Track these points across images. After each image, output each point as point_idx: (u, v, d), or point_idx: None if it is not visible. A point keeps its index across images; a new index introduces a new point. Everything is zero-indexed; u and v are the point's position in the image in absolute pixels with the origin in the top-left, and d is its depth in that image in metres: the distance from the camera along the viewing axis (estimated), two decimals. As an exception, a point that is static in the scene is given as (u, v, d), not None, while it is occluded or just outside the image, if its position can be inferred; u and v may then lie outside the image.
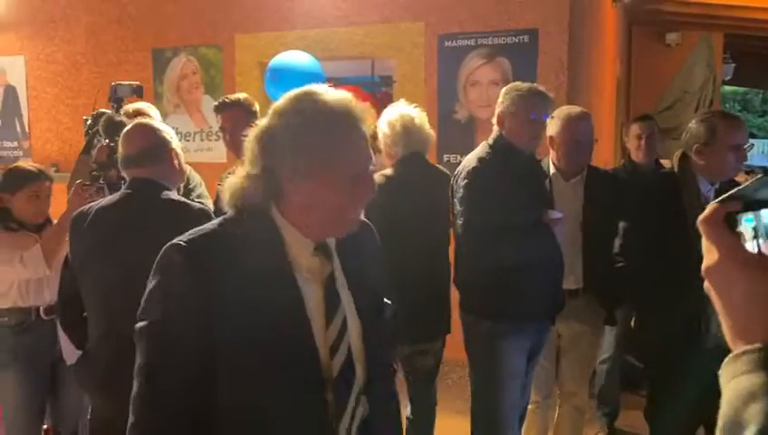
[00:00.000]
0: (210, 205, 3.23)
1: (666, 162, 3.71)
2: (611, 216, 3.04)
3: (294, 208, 1.29)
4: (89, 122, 3.23)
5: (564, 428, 3.28)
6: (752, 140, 2.85)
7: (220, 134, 3.38)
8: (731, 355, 0.65)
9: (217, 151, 5.32)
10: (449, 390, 4.09)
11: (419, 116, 3.04)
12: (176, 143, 2.42)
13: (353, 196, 1.29)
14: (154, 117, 3.27)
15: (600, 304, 3.08)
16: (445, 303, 3.02)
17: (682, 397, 2.65)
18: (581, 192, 3.04)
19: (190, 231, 1.32)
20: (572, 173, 3.05)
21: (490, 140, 2.76)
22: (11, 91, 6.21)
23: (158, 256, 1.30)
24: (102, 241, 2.24)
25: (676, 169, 2.70)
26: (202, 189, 3.32)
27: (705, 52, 8.81)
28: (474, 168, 2.65)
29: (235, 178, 1.31)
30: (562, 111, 2.99)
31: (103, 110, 3.20)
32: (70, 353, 2.45)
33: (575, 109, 3.05)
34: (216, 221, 1.34)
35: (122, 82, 3.38)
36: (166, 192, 2.29)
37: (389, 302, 1.53)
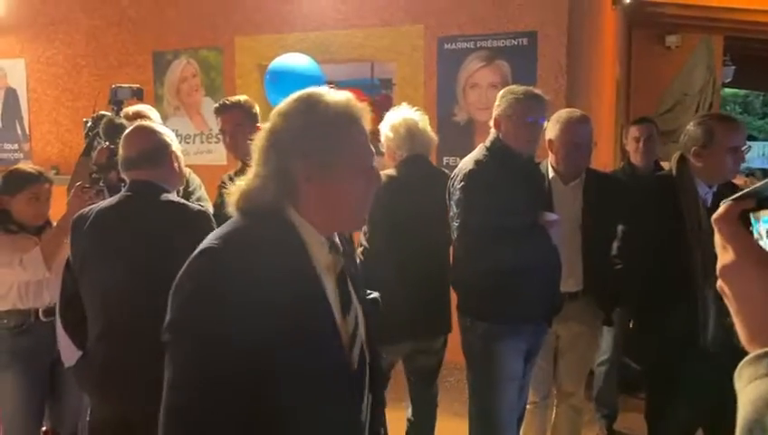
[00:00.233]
0: (210, 207, 3.24)
1: (666, 165, 3.71)
2: (610, 218, 3.05)
3: (312, 206, 1.32)
4: (89, 125, 3.23)
5: (562, 428, 3.29)
6: (752, 143, 2.86)
7: (220, 136, 3.38)
8: (749, 357, 0.63)
9: (217, 154, 5.33)
10: (447, 392, 4.09)
11: (422, 120, 3.08)
12: (176, 146, 2.43)
13: (366, 188, 1.36)
14: (154, 119, 3.28)
15: (599, 305, 3.09)
16: (445, 302, 3.04)
17: (680, 399, 2.65)
18: (580, 195, 3.04)
19: (212, 235, 1.33)
20: (571, 176, 3.05)
21: (487, 143, 2.77)
22: (11, 93, 6.22)
23: (190, 261, 1.29)
24: (101, 242, 2.25)
25: (674, 172, 2.70)
26: (202, 192, 3.33)
27: (705, 54, 8.82)
28: (470, 170, 2.66)
29: (244, 182, 1.34)
30: (562, 115, 2.99)
31: (103, 112, 3.20)
32: (68, 355, 2.46)
33: (575, 112, 3.05)
34: (231, 224, 1.34)
35: (122, 85, 3.38)
36: (165, 194, 2.30)
37: (373, 294, 1.59)
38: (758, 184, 0.68)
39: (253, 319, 1.19)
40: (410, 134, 3.02)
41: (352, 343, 1.37)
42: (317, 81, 4.39)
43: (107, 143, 2.87)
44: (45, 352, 2.94)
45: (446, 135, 4.71)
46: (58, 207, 3.00)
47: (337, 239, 1.43)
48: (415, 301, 2.82)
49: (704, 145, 2.61)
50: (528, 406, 3.12)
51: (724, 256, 0.68)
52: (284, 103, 1.36)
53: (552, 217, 2.71)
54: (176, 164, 2.40)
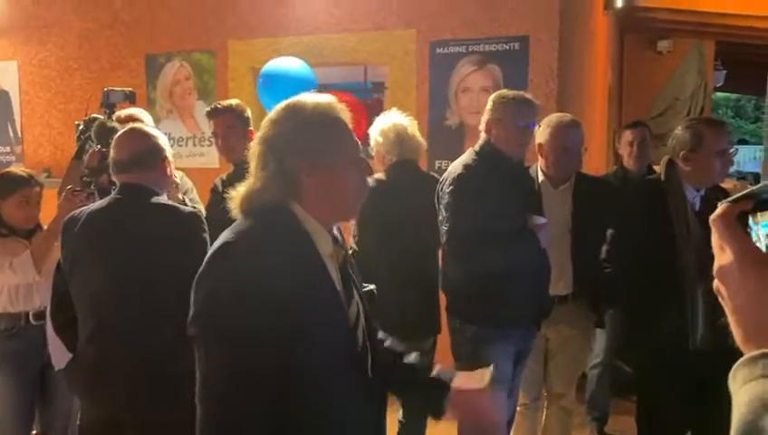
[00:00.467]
0: (202, 209, 3.25)
1: (659, 168, 3.74)
2: (600, 222, 3.07)
3: (314, 199, 1.43)
4: (81, 128, 3.23)
5: (552, 430, 3.30)
6: (744, 147, 2.90)
7: (212, 139, 3.39)
8: (744, 359, 0.63)
9: (210, 157, 5.32)
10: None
11: (411, 125, 3.12)
12: (169, 150, 2.43)
13: (360, 177, 1.50)
14: (147, 122, 3.28)
15: (590, 308, 3.11)
16: (434, 303, 3.06)
17: (671, 401, 2.67)
18: (570, 199, 3.06)
19: (226, 232, 1.42)
20: (561, 180, 3.07)
21: (476, 147, 2.79)
22: (3, 95, 6.21)
23: (209, 256, 1.39)
24: (91, 244, 2.25)
25: (663, 176, 2.72)
26: (194, 194, 3.33)
27: (697, 59, 8.87)
28: (459, 174, 2.68)
29: (244, 187, 1.45)
30: (552, 119, 3.01)
31: (95, 115, 3.21)
32: (58, 359, 2.46)
33: (565, 116, 3.07)
34: (241, 222, 1.44)
35: (115, 88, 3.39)
36: (156, 197, 2.30)
37: (370, 286, 1.70)
38: (756, 186, 0.68)
39: (271, 305, 1.28)
40: (399, 139, 3.05)
41: (356, 324, 1.49)
42: (310, 84, 4.40)
43: (98, 146, 2.88)
44: (35, 355, 2.93)
45: (438, 139, 4.73)
46: (49, 210, 3.00)
47: (336, 232, 1.54)
48: (404, 302, 2.84)
49: (692, 149, 2.63)
50: (518, 408, 3.14)
51: (722, 256, 0.68)
52: (272, 113, 1.48)
53: (540, 220, 2.73)
54: (168, 169, 2.40)
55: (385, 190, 2.88)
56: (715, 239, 0.69)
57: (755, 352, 0.62)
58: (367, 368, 1.51)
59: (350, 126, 1.52)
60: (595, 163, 6.25)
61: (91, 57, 5.80)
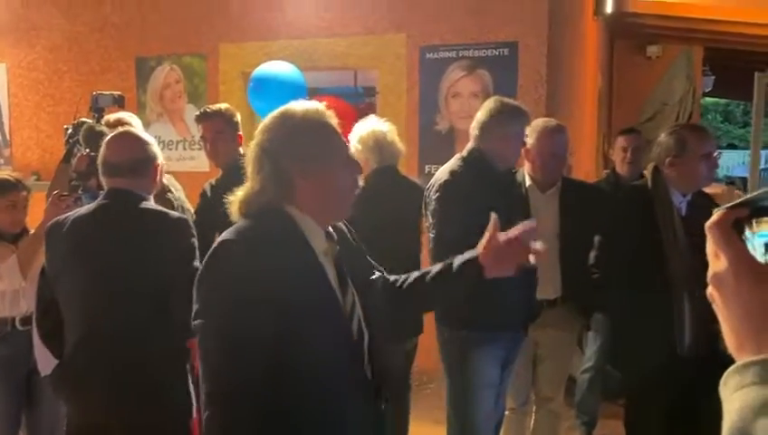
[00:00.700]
0: (190, 208, 3.25)
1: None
2: (587, 225, 3.09)
3: (308, 200, 1.54)
4: (69, 132, 3.22)
5: (541, 433, 3.31)
6: (733, 151, 2.95)
7: (202, 143, 3.38)
8: (736, 365, 0.63)
9: (200, 160, 5.30)
10: (427, 399, 4.10)
11: (390, 131, 3.13)
12: (161, 157, 2.43)
13: (351, 177, 1.60)
14: (135, 126, 3.26)
15: (578, 311, 3.12)
16: None
17: (659, 406, 2.68)
18: (557, 203, 3.08)
19: (225, 232, 1.51)
20: (548, 185, 3.09)
21: (464, 153, 2.80)
22: (-8, 98, 6.18)
23: (209, 254, 1.48)
24: (79, 250, 2.24)
25: (649, 183, 2.74)
26: (181, 195, 3.33)
27: (685, 64, 8.92)
28: (445, 181, 2.68)
29: (243, 190, 1.55)
30: (538, 124, 3.03)
31: (84, 119, 3.20)
32: (45, 365, 2.45)
33: (551, 121, 3.10)
34: (239, 223, 1.54)
35: (104, 92, 3.38)
36: (144, 202, 2.30)
37: (379, 271, 1.78)
38: (753, 193, 0.69)
39: (268, 297, 1.38)
40: (378, 146, 3.07)
41: (351, 316, 1.58)
42: (300, 88, 4.40)
43: (87, 150, 2.86)
44: (22, 360, 2.91)
45: (428, 144, 4.75)
46: (38, 214, 2.98)
47: (331, 229, 1.64)
48: None
49: (677, 154, 2.66)
50: (506, 412, 3.14)
51: (716, 263, 0.68)
52: (265, 121, 1.58)
53: (528, 224, 2.74)
54: (158, 178, 2.40)
55: (366, 197, 2.89)
56: (709, 246, 0.69)
57: (747, 360, 0.63)
58: (363, 356, 1.60)
59: (339, 130, 1.61)
60: (585, 168, 6.28)
61: (81, 60, 5.78)
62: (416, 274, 1.79)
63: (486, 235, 1.66)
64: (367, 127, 3.14)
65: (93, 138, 2.79)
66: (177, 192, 3.28)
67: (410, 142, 4.68)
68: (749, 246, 0.68)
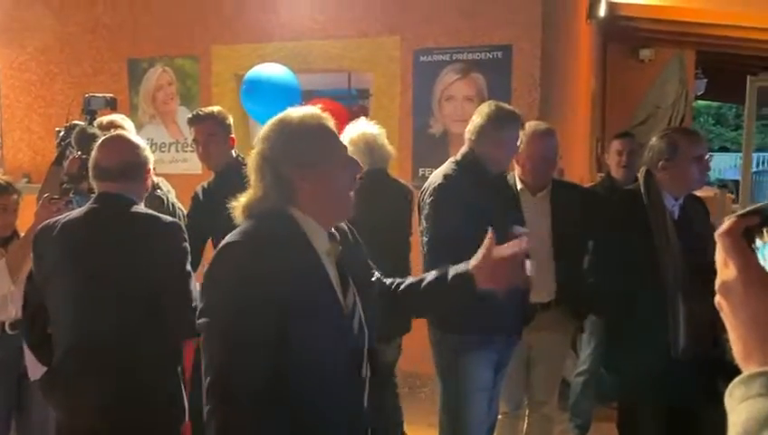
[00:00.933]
0: (182, 207, 3.24)
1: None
2: (579, 226, 3.13)
3: (311, 202, 1.59)
4: (61, 134, 3.20)
5: (533, 438, 3.32)
6: (725, 154, 2.96)
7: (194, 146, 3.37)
8: (742, 376, 0.63)
9: (192, 163, 5.28)
10: (421, 403, 4.09)
11: (381, 133, 3.16)
12: (152, 161, 2.42)
13: (350, 177, 1.65)
14: (128, 129, 3.25)
15: (572, 313, 3.13)
16: None
17: (652, 410, 2.68)
18: (548, 205, 3.11)
19: (231, 233, 1.56)
20: (539, 188, 3.12)
21: (458, 157, 2.80)
22: (-17, 99, 6.13)
23: (215, 254, 1.53)
24: (70, 254, 2.22)
25: (642, 187, 2.75)
26: (172, 196, 3.32)
27: (678, 68, 8.96)
28: (439, 184, 2.68)
29: (246, 196, 1.60)
30: (528, 128, 3.04)
31: (76, 121, 3.18)
32: (34, 370, 2.42)
33: (540, 125, 3.13)
34: (243, 225, 1.59)
35: (96, 94, 3.36)
36: (135, 206, 2.28)
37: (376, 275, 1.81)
38: (765, 202, 0.68)
39: (271, 297, 1.44)
40: (369, 148, 3.08)
41: (352, 315, 1.63)
42: (293, 91, 4.39)
43: (79, 153, 2.84)
44: (12, 365, 2.89)
45: (422, 146, 4.74)
46: (28, 217, 2.96)
47: (335, 229, 1.69)
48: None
49: (669, 158, 2.68)
50: (499, 417, 3.14)
51: (725, 272, 0.68)
52: (263, 129, 1.63)
53: (521, 230, 2.74)
54: (148, 182, 2.38)
55: (356, 200, 2.91)
56: (719, 254, 0.69)
57: (754, 370, 0.62)
58: (363, 354, 1.65)
59: (336, 132, 1.67)
60: (578, 171, 6.29)
61: (73, 61, 5.75)
62: (411, 280, 1.83)
63: (482, 250, 1.71)
64: (357, 129, 3.15)
65: (85, 140, 2.77)
66: (169, 193, 3.27)
67: (404, 145, 4.68)
68: (759, 256, 0.67)
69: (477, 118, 2.76)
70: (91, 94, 3.31)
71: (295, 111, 1.65)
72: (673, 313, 2.58)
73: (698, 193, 3.03)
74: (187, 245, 2.28)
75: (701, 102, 17.59)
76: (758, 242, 0.68)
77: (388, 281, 1.85)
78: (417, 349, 3.35)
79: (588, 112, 7.40)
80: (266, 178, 1.58)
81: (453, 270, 1.76)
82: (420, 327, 3.07)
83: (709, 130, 21.26)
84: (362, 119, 3.26)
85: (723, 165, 18.72)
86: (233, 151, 3.26)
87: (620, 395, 3.02)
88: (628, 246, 2.68)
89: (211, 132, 3.17)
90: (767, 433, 0.56)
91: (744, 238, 0.67)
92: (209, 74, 5.36)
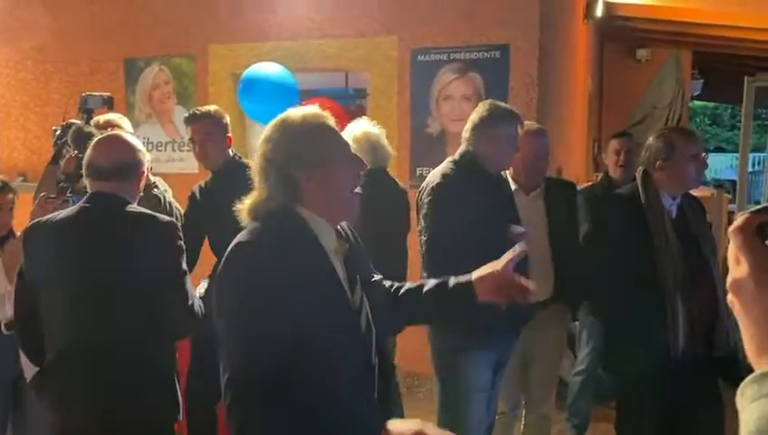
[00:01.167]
0: (179, 206, 3.23)
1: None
2: (575, 224, 3.18)
3: (317, 201, 1.60)
4: (58, 133, 3.19)
5: (530, 436, 3.32)
6: (721, 154, 2.98)
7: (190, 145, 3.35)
8: (754, 375, 0.62)
9: (189, 162, 5.26)
10: (420, 403, 4.08)
11: (381, 133, 3.22)
12: (147, 162, 2.40)
13: (355, 174, 1.66)
14: (125, 128, 3.24)
15: (567, 302, 3.20)
16: None
17: (650, 410, 2.68)
18: (542, 204, 3.15)
19: (240, 234, 1.57)
20: (532, 187, 3.15)
21: (456, 156, 2.80)
22: (-22, 98, 6.11)
23: (227, 256, 1.54)
24: (62, 254, 2.20)
25: (639, 187, 2.75)
26: (169, 195, 3.31)
27: (674, 68, 8.98)
28: (438, 184, 2.68)
29: (251, 197, 1.61)
30: (520, 128, 3.06)
31: (73, 120, 3.16)
32: (30, 370, 2.41)
33: (532, 125, 3.18)
34: (252, 226, 1.59)
35: (93, 93, 3.34)
36: (130, 206, 2.27)
37: (377, 276, 1.83)
38: None
39: (283, 296, 1.45)
40: (372, 147, 3.12)
41: (359, 311, 1.65)
42: (290, 90, 4.38)
43: (75, 152, 2.83)
44: (8, 365, 2.87)
45: (419, 146, 4.74)
46: (24, 216, 2.94)
47: (340, 228, 1.70)
48: None
49: (666, 157, 2.68)
50: (497, 416, 3.14)
51: (737, 269, 0.67)
52: (265, 131, 1.63)
53: (519, 229, 2.74)
54: (142, 183, 2.37)
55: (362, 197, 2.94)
56: (731, 251, 0.68)
57: (766, 369, 0.61)
58: (372, 349, 1.67)
59: (338, 130, 1.68)
60: (575, 171, 6.30)
61: (69, 60, 5.73)
62: (410, 285, 1.84)
63: (489, 268, 1.72)
64: (360, 128, 3.18)
65: (82, 139, 2.75)
66: (166, 193, 3.26)
67: (402, 145, 4.68)
68: None
69: (473, 116, 2.78)
70: (88, 93, 3.30)
71: (296, 111, 1.65)
72: (672, 313, 2.58)
73: (695, 193, 3.04)
74: (182, 243, 2.27)
75: (697, 103, 17.62)
76: None
77: (387, 283, 1.86)
78: (415, 349, 3.34)
79: (585, 112, 7.40)
80: (271, 180, 1.59)
81: (454, 280, 1.77)
82: (419, 327, 3.07)
83: (705, 131, 21.30)
84: (364, 118, 3.30)
85: (719, 165, 18.77)
86: (230, 150, 3.25)
87: (619, 395, 3.02)
88: (626, 247, 2.68)
89: (208, 131, 3.15)
90: None
91: (756, 235, 0.66)
92: (206, 73, 5.35)
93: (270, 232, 1.56)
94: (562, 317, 3.28)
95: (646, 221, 2.66)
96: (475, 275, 1.75)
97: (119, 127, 3.17)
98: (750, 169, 10.23)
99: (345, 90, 5.60)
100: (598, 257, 2.91)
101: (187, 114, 3.29)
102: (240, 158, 3.29)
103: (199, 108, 3.30)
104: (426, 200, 2.69)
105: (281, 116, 1.65)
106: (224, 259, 1.55)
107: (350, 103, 5.60)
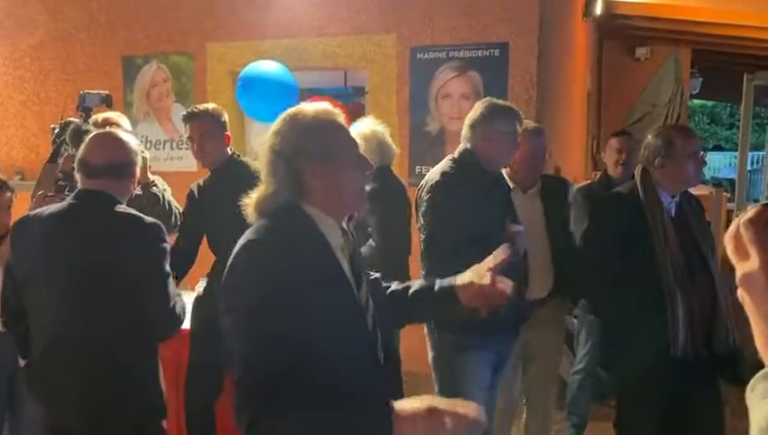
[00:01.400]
0: (177, 205, 3.23)
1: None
2: (569, 219, 3.20)
3: (323, 198, 1.59)
4: (56, 131, 3.18)
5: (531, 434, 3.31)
6: (719, 153, 2.99)
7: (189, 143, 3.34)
8: (764, 371, 0.61)
9: (187, 160, 5.25)
10: (419, 402, 4.08)
11: (386, 132, 3.23)
12: (140, 161, 2.40)
13: (360, 173, 1.65)
14: (124, 126, 3.23)
15: (567, 294, 3.23)
16: None
17: (650, 409, 2.68)
18: (539, 202, 3.17)
19: (248, 232, 1.57)
20: (529, 185, 3.18)
21: (455, 154, 2.79)
22: (-24, 96, 6.09)
23: (235, 255, 1.54)
24: (49, 251, 2.19)
25: (638, 185, 2.75)
26: (168, 194, 3.30)
27: (673, 66, 8.98)
28: (437, 182, 2.68)
29: (257, 192, 1.60)
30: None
31: (71, 118, 3.16)
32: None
33: (530, 124, 3.19)
34: (258, 224, 1.59)
35: (91, 91, 3.34)
36: (118, 205, 2.26)
37: (375, 274, 1.84)
38: None
39: (293, 293, 1.45)
40: (380, 145, 3.17)
41: (366, 308, 1.66)
42: (289, 88, 4.37)
43: (74, 150, 2.82)
44: (5, 365, 2.87)
45: (418, 144, 4.73)
46: (21, 214, 2.93)
47: (344, 226, 1.70)
48: None
49: (665, 154, 2.68)
50: (496, 415, 3.13)
51: (747, 263, 0.65)
52: (276, 124, 1.61)
53: (517, 228, 2.74)
54: (134, 183, 2.37)
55: (375, 193, 3.01)
56: (736, 245, 0.66)
57: None
58: (378, 345, 1.68)
59: (347, 128, 1.68)
60: (574, 169, 6.30)
61: (67, 58, 5.72)
62: (397, 286, 1.85)
63: (472, 276, 1.75)
64: (367, 126, 3.21)
65: (80, 137, 2.74)
66: (165, 191, 3.26)
67: (401, 143, 4.66)
68: None
69: (471, 114, 2.78)
70: (87, 91, 3.29)
71: (308, 107, 1.64)
72: (672, 310, 2.57)
73: (694, 191, 3.03)
74: (166, 245, 2.26)
75: (696, 102, 17.63)
76: None
77: (383, 283, 1.88)
78: (413, 347, 3.34)
79: (584, 110, 7.40)
80: (278, 174, 1.58)
81: (438, 283, 1.80)
82: (418, 326, 3.06)
83: (703, 129, 21.31)
84: (370, 117, 3.34)
85: (717, 164, 18.77)
86: (228, 149, 3.24)
87: (618, 394, 3.02)
88: (625, 244, 2.67)
89: (206, 129, 3.14)
90: None
91: (767, 228, 0.65)
92: (204, 72, 5.34)
93: (278, 230, 1.55)
94: (561, 316, 3.29)
95: (645, 219, 2.66)
96: (459, 280, 1.77)
97: (117, 125, 3.16)
98: (749, 168, 10.24)
99: (344, 88, 5.59)
100: (597, 255, 2.91)
101: (185, 112, 3.27)
102: (239, 156, 3.28)
103: (198, 106, 3.29)
104: (425, 198, 2.69)
105: (292, 110, 1.64)
106: (232, 258, 1.54)
107: (349, 102, 5.59)
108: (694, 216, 2.80)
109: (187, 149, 5.20)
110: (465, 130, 2.79)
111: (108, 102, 3.39)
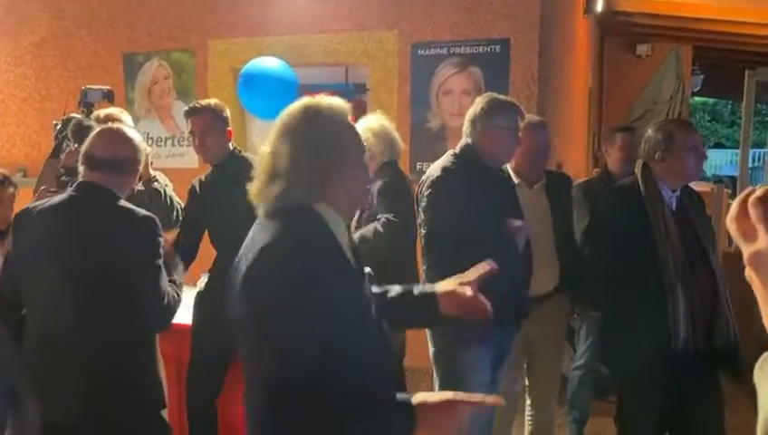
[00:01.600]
0: (179, 201, 3.23)
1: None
2: (572, 217, 3.21)
3: (339, 195, 1.59)
4: (58, 127, 3.19)
5: (533, 430, 3.32)
6: (720, 150, 2.99)
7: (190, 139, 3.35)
8: None
9: (189, 157, 5.26)
10: (420, 398, 4.09)
11: (393, 127, 3.23)
12: (145, 158, 2.41)
13: (366, 173, 1.68)
14: (126, 123, 3.23)
15: (569, 291, 3.20)
16: None
17: (650, 403, 2.68)
18: (545, 196, 3.16)
19: (266, 236, 1.54)
20: (534, 180, 3.16)
21: (457, 150, 2.79)
22: (-22, 94, 6.10)
23: (255, 258, 1.51)
24: (45, 243, 2.20)
25: (639, 180, 2.75)
26: (170, 189, 3.31)
27: (675, 63, 8.97)
28: (437, 177, 2.68)
29: (264, 191, 1.58)
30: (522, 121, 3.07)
31: (73, 114, 3.16)
32: None
33: (533, 118, 3.18)
34: (274, 227, 1.57)
35: (93, 87, 3.34)
36: (114, 199, 2.26)
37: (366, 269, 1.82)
38: None
39: (312, 295, 1.45)
40: (390, 140, 3.18)
41: (372, 303, 1.67)
42: (290, 84, 4.37)
43: (76, 146, 2.83)
44: (9, 362, 2.87)
45: (419, 140, 4.73)
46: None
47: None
48: None
49: (665, 148, 2.68)
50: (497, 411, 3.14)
51: (754, 243, 0.65)
52: (288, 118, 1.59)
53: (517, 223, 2.74)
54: (135, 178, 2.38)
55: (390, 187, 3.05)
56: (739, 225, 0.66)
57: None
58: (388, 339, 1.73)
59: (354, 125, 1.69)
60: (575, 165, 6.30)
61: (68, 56, 5.72)
62: (376, 289, 1.84)
63: (454, 285, 1.76)
64: (375, 121, 3.22)
65: (82, 133, 2.75)
66: (167, 187, 3.26)
67: (402, 139, 4.66)
68: None
69: (472, 109, 2.78)
70: (89, 86, 3.30)
71: (323, 101, 1.62)
72: (673, 304, 2.58)
73: (694, 187, 3.03)
74: (160, 239, 2.27)
75: (697, 99, 17.60)
76: None
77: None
78: (414, 343, 3.34)
79: (585, 107, 7.40)
80: (291, 172, 1.55)
81: (418, 289, 1.82)
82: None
83: (704, 127, 21.27)
84: (378, 113, 3.37)
85: (718, 161, 18.74)
86: (230, 144, 3.24)
87: (619, 389, 3.02)
88: (626, 239, 2.68)
89: (208, 124, 3.14)
90: None
91: None
92: (205, 68, 5.34)
93: (293, 233, 1.54)
94: (563, 312, 3.28)
95: (646, 213, 2.66)
96: (440, 288, 1.78)
97: (119, 121, 3.17)
98: (750, 165, 10.22)
99: (345, 84, 5.59)
100: (598, 250, 2.91)
101: (186, 108, 3.27)
102: (240, 151, 3.28)
103: (199, 101, 3.29)
104: (425, 193, 2.69)
105: (305, 104, 1.61)
106: (250, 264, 1.52)
107: (351, 98, 5.59)
108: (694, 210, 2.80)
109: (188, 145, 5.21)
110: (465, 126, 2.79)
111: (110, 98, 3.39)
